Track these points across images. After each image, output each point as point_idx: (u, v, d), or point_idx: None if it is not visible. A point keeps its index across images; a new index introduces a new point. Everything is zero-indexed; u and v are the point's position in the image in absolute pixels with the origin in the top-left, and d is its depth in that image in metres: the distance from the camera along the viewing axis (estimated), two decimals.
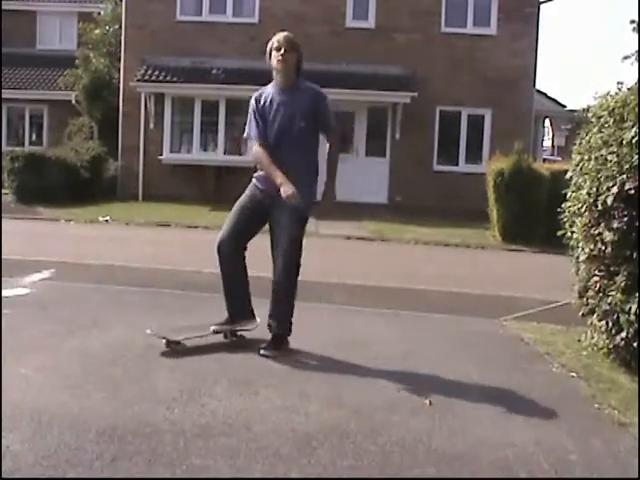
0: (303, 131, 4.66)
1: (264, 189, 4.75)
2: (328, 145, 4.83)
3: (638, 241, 4.41)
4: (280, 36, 4.71)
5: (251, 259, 4.79)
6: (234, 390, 3.92)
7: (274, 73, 4.74)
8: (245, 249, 4.80)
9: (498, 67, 18.04)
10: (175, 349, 4.62)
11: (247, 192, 4.89)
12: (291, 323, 4.75)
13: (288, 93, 4.71)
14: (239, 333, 4.92)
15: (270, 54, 4.70)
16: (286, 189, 4.49)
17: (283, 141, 4.68)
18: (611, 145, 4.69)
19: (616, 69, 72.01)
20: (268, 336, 4.71)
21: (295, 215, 4.60)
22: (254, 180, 4.88)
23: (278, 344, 4.69)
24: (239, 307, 4.85)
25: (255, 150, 4.78)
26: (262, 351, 4.63)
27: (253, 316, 4.88)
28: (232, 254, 4.74)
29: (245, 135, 4.90)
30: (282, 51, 4.64)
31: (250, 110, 4.81)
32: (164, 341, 4.64)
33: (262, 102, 4.76)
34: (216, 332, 4.83)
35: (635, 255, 4.41)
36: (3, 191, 16.77)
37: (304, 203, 4.58)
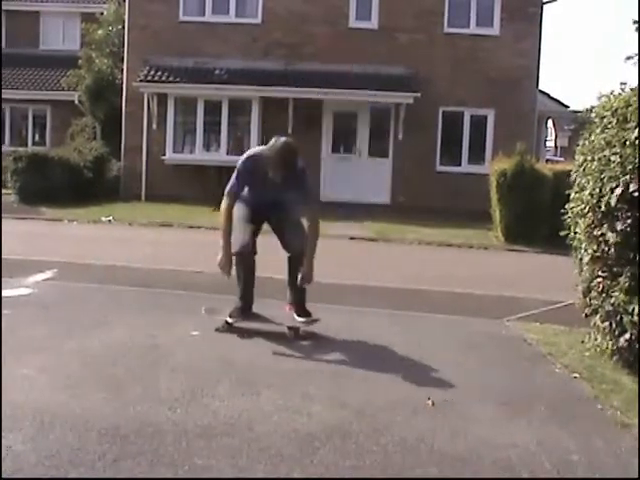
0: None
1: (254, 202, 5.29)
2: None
3: (639, 242, 4.40)
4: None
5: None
6: (236, 390, 3.92)
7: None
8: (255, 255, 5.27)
9: (501, 67, 18.02)
10: (227, 330, 5.19)
11: (238, 205, 5.28)
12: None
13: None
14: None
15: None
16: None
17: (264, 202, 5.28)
18: (614, 146, 4.67)
19: (619, 69, 71.92)
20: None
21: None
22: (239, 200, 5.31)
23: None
24: (250, 301, 5.32)
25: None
26: (300, 319, 5.17)
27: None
28: (252, 256, 5.20)
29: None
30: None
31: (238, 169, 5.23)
32: (224, 321, 5.23)
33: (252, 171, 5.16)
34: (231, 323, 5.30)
35: (638, 257, 4.40)
36: (7, 191, 16.80)
37: None
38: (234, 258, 5.15)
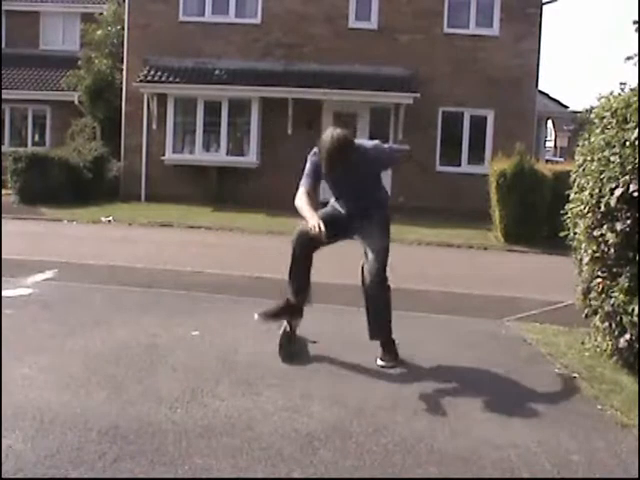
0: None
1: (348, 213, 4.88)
2: None
3: (639, 243, 4.40)
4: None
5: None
6: (236, 390, 3.92)
7: None
8: (316, 249, 4.74)
9: (501, 68, 18.02)
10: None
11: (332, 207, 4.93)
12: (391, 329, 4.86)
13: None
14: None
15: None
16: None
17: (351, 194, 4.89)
18: (614, 146, 4.68)
19: (620, 70, 71.90)
20: None
21: (383, 226, 4.95)
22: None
23: (394, 351, 4.75)
24: (301, 300, 4.78)
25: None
26: (381, 362, 4.66)
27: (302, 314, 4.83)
28: (308, 246, 4.66)
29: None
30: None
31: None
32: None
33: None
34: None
35: (638, 257, 4.41)
36: (7, 192, 16.80)
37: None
38: (294, 241, 4.66)
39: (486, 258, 12.12)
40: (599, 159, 4.84)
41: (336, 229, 4.72)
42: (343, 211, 4.91)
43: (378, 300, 4.83)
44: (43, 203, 15.53)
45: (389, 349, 4.75)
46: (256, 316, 4.74)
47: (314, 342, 4.93)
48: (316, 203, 4.68)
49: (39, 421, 3.31)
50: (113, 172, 18.60)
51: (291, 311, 4.77)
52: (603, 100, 5.07)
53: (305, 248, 4.70)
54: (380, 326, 4.83)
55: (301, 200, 4.68)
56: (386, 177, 19.97)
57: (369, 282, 4.79)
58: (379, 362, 4.66)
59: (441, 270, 10.21)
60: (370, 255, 4.82)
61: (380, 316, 4.84)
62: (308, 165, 4.80)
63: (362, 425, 3.51)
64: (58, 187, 16.22)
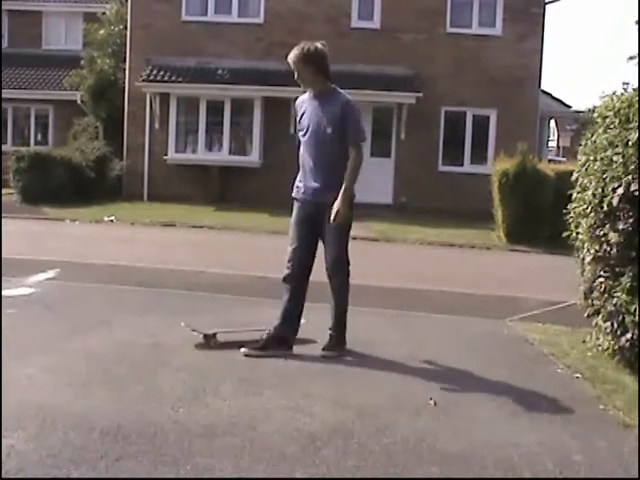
0: (330, 138, 4.76)
1: (305, 199, 4.90)
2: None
3: (639, 243, 4.40)
4: (290, 57, 4.82)
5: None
6: (239, 390, 3.92)
7: None
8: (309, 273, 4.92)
9: (503, 67, 18.01)
10: (210, 343, 4.77)
11: (295, 213, 4.96)
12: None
13: (319, 99, 4.80)
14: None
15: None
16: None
17: (311, 146, 4.82)
18: (617, 146, 4.67)
19: (622, 70, 71.89)
20: None
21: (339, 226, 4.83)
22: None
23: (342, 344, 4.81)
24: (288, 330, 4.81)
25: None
26: (325, 352, 4.73)
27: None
28: (302, 281, 4.85)
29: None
30: (296, 75, 4.78)
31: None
32: (201, 335, 4.80)
33: (299, 108, 4.91)
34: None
35: None
36: (9, 191, 16.82)
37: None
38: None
39: (488, 258, 12.12)
40: (602, 159, 4.83)
41: (305, 229, 4.87)
42: (301, 184, 4.91)
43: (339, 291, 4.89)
44: (45, 202, 15.54)
45: (340, 339, 4.81)
46: (243, 350, 4.67)
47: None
48: None
49: (41, 421, 3.31)
50: (116, 171, 18.63)
51: (278, 341, 4.72)
52: (606, 100, 5.07)
53: (302, 282, 4.84)
54: (338, 319, 4.87)
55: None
56: (389, 177, 20.04)
57: (328, 273, 4.88)
58: (323, 352, 4.73)
59: (443, 270, 10.20)
60: (325, 242, 4.90)
61: (339, 308, 4.88)
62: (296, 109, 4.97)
63: (364, 425, 3.51)
64: (60, 186, 16.25)
